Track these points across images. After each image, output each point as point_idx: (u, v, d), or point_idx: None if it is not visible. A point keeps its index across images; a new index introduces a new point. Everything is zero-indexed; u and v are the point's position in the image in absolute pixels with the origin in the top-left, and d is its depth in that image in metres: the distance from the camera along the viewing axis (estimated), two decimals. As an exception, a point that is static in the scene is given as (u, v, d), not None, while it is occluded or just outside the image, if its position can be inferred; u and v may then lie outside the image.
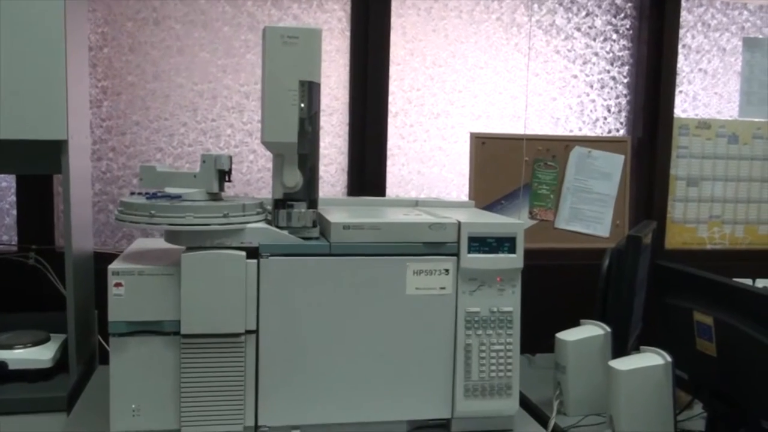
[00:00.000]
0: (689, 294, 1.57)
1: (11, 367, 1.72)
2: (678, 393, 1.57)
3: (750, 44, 2.64)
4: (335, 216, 1.46)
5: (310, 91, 1.41)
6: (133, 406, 1.36)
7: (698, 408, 1.65)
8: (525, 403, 1.70)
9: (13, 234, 2.18)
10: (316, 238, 1.44)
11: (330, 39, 2.34)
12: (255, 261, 1.37)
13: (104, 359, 1.51)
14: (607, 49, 2.55)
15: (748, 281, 2.13)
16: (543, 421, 1.63)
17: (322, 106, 2.25)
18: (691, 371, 1.59)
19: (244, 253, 1.37)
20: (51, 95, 1.68)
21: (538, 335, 1.80)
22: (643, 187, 2.56)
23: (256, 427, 1.41)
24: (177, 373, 1.36)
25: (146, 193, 1.42)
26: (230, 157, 1.43)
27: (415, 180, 2.45)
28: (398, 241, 1.43)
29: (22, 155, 1.83)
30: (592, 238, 2.47)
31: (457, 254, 1.45)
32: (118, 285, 1.34)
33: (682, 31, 2.57)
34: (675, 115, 2.56)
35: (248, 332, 1.38)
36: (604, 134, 2.56)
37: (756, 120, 2.64)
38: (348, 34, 2.35)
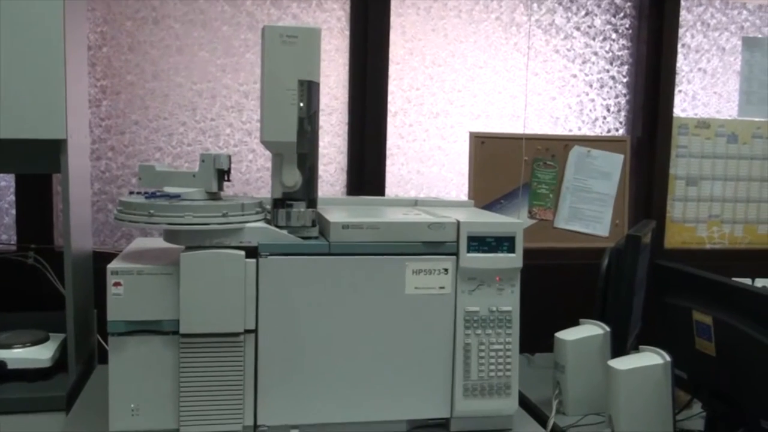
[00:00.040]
0: (688, 293, 1.57)
1: (10, 366, 1.72)
2: (677, 392, 1.57)
3: (749, 44, 2.64)
4: (334, 215, 1.46)
5: (310, 90, 1.41)
6: (132, 405, 1.36)
7: (697, 407, 1.65)
8: (524, 402, 1.70)
9: (12, 233, 2.18)
10: (315, 238, 1.44)
11: (329, 38, 2.34)
12: (254, 260, 1.37)
13: (103, 359, 1.50)
14: (607, 48, 2.55)
15: (748, 281, 2.13)
16: (542, 420, 1.63)
17: (322, 106, 2.25)
18: (690, 371, 1.59)
19: (243, 253, 1.36)
20: (50, 94, 1.67)
21: (537, 335, 1.80)
22: (642, 186, 2.56)
23: (255, 426, 1.41)
24: (176, 372, 1.36)
25: (145, 193, 1.42)
26: (229, 157, 1.43)
27: (414, 179, 2.45)
28: (397, 241, 1.42)
29: (21, 154, 1.83)
30: (591, 237, 2.47)
31: (456, 254, 1.44)
32: (117, 284, 1.34)
33: (681, 31, 2.57)
34: (674, 115, 2.56)
35: (247, 332, 1.38)
36: (604, 134, 2.56)
37: (755, 119, 2.64)
38: (347, 33, 2.35)
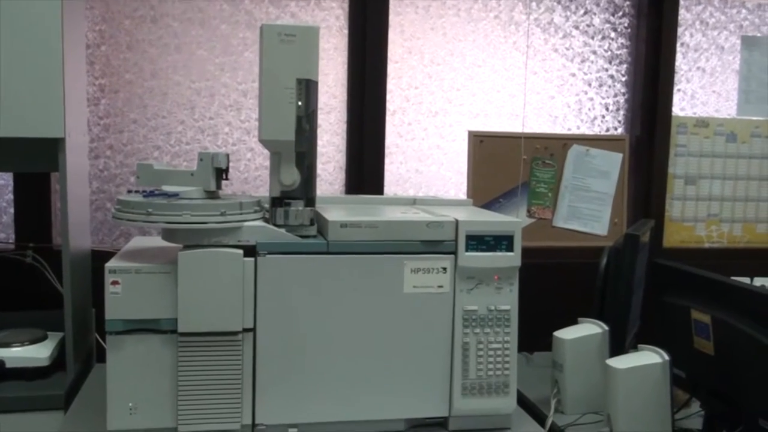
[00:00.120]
0: (687, 292, 1.57)
1: (8, 365, 1.71)
2: (675, 391, 1.57)
3: (748, 42, 2.64)
4: (333, 214, 1.46)
5: (308, 89, 1.40)
6: (130, 404, 1.36)
7: (696, 406, 1.65)
8: (522, 401, 1.70)
9: (10, 232, 2.18)
10: (314, 237, 1.44)
11: (328, 37, 2.34)
12: (252, 259, 1.37)
13: (101, 357, 1.50)
14: (606, 47, 2.55)
15: (746, 280, 2.13)
16: (540, 419, 1.63)
17: (320, 104, 2.25)
18: (688, 369, 1.59)
19: (241, 251, 1.36)
20: (48, 93, 1.67)
21: (535, 333, 1.80)
22: (641, 185, 2.56)
23: (254, 425, 1.40)
24: (174, 371, 1.36)
25: (143, 191, 1.42)
26: (228, 155, 1.42)
27: (413, 178, 2.45)
28: (396, 240, 1.42)
29: (20, 153, 1.83)
30: (590, 236, 2.47)
31: (454, 252, 1.44)
32: (115, 283, 1.34)
33: (680, 30, 2.57)
34: (673, 114, 2.56)
35: (245, 330, 1.38)
36: (602, 132, 2.56)
37: (754, 118, 2.64)
38: (346, 32, 2.35)
